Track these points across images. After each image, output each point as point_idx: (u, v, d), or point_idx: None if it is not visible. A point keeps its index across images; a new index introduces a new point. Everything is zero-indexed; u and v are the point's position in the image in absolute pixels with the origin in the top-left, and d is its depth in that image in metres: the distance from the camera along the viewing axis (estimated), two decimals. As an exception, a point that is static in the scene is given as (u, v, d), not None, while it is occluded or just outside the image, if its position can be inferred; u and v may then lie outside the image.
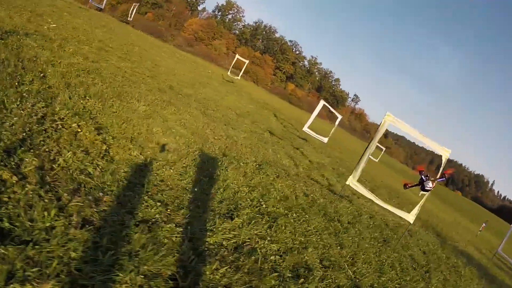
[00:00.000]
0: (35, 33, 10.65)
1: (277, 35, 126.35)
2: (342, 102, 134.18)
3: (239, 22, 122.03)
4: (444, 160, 8.50)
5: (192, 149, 7.35)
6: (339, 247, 6.21)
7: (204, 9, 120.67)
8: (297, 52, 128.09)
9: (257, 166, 8.71)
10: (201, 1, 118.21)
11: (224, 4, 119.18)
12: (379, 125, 8.87)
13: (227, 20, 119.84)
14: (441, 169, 8.64)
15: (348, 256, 6.08)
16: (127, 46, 19.31)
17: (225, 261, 3.88)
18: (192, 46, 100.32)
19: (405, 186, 9.71)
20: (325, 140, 21.44)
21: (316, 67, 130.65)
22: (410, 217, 8.81)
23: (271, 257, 4.49)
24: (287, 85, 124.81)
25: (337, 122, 22.97)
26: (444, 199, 61.86)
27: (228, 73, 33.07)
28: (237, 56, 34.23)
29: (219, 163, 7.35)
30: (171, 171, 5.60)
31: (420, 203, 8.85)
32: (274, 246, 4.79)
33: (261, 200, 6.46)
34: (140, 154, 5.60)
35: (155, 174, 5.20)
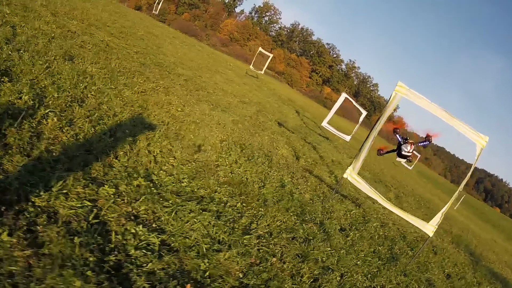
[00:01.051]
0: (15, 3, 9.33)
1: (314, 37, 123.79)
2: (379, 108, 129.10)
3: (275, 24, 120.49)
4: (478, 152, 6.09)
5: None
6: (294, 260, 4.22)
7: (242, 11, 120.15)
8: (335, 55, 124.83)
9: (224, 144, 7.21)
10: (238, 3, 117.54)
11: (261, 5, 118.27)
12: (388, 100, 6.65)
13: (263, 22, 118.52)
14: (475, 161, 6.21)
15: (307, 274, 4.01)
16: (132, 29, 17.84)
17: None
18: (227, 46, 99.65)
19: (379, 152, 7.66)
20: (347, 138, 19.11)
21: (353, 71, 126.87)
22: (428, 227, 6.49)
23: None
24: (323, 88, 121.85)
25: (361, 119, 20.52)
26: (481, 214, 57.01)
27: (251, 66, 31.11)
28: (260, 49, 32.16)
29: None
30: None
31: (443, 210, 6.51)
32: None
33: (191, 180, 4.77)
34: None
35: None
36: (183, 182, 4.53)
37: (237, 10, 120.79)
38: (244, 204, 4.91)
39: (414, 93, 6.13)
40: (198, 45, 31.49)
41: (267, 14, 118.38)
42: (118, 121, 5.30)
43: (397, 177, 22.15)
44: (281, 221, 5.01)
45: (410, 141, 6.85)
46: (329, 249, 4.96)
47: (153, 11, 45.28)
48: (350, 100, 19.86)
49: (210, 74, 17.54)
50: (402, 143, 6.96)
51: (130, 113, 5.97)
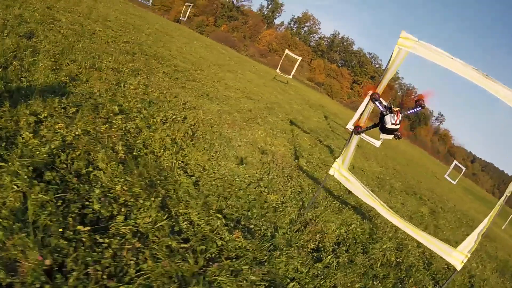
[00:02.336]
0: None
1: (355, 47, 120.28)
2: (424, 120, 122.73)
3: (315, 34, 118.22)
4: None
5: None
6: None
7: (282, 23, 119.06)
8: (377, 66, 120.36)
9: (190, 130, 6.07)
10: (277, 14, 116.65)
11: (300, 16, 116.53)
12: (389, 60, 4.58)
13: (302, 32, 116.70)
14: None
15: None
16: (140, 27, 16.70)
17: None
18: (266, 56, 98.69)
19: (356, 129, 5.47)
20: (377, 143, 16.69)
21: (397, 81, 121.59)
22: (456, 255, 4.25)
23: None
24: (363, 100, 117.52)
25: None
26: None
27: (277, 70, 29.21)
28: (286, 51, 30.19)
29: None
30: None
31: (479, 229, 4.24)
32: None
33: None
34: None
35: None
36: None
37: (277, 21, 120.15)
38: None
39: (426, 45, 4.04)
40: (222, 49, 30.17)
41: (306, 24, 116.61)
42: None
43: (437, 191, 19.39)
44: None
45: (396, 109, 4.77)
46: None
47: (181, 17, 43.60)
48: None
49: (219, 71, 15.89)
50: (385, 113, 4.90)
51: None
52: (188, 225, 3.60)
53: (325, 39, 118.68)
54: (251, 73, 23.95)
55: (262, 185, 5.57)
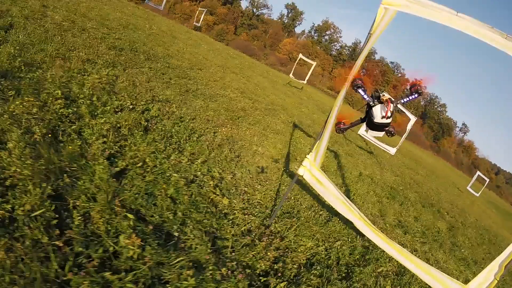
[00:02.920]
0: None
1: (376, 56, 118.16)
2: (448, 131, 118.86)
3: (336, 43, 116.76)
4: None
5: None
6: None
7: (303, 32, 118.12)
8: (399, 75, 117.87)
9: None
10: (297, 23, 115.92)
11: (321, 24, 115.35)
12: (374, 22, 3.52)
13: (323, 41, 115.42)
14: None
15: None
16: (142, 26, 16.16)
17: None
18: (286, 65, 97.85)
19: (337, 127, 4.40)
20: (392, 151, 15.40)
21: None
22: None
23: None
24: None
25: (409, 126, 16.59)
26: None
27: (290, 75, 28.13)
28: (300, 55, 29.14)
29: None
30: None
31: (502, 257, 3.05)
32: None
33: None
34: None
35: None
36: None
37: (297, 30, 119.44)
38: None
39: (421, 1, 2.96)
40: (235, 54, 29.31)
41: (327, 33, 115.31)
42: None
43: (458, 204, 17.84)
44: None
45: (386, 98, 3.74)
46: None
47: (195, 23, 42.49)
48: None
49: (220, 72, 14.97)
50: (372, 104, 3.86)
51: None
52: (81, 221, 2.79)
53: (346, 47, 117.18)
54: (262, 77, 22.95)
55: (217, 186, 4.57)
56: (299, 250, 4.00)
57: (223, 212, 4.13)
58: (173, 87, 8.36)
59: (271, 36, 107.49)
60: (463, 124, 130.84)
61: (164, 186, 3.93)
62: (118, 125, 4.99)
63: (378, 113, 3.83)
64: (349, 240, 5.10)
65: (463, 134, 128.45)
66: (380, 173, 13.24)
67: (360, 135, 15.37)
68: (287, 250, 3.92)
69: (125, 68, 8.02)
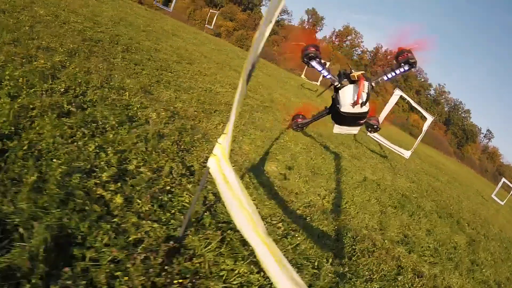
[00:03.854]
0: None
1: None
2: (472, 138, 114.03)
3: (357, 48, 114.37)
4: None
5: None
6: None
7: (325, 38, 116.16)
8: (422, 80, 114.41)
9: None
10: (318, 29, 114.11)
11: (341, 29, 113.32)
12: None
13: (344, 46, 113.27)
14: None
15: None
16: (136, 24, 15.36)
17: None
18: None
19: (294, 122, 3.08)
20: (407, 154, 13.77)
21: (443, 96, 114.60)
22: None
23: None
24: (409, 115, 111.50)
25: (425, 126, 14.88)
26: None
27: (302, 76, 26.79)
28: None
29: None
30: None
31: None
32: None
33: None
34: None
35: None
36: None
37: (320, 36, 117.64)
38: None
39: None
40: (245, 55, 28.01)
41: (348, 38, 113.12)
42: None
43: (481, 213, 15.96)
44: None
45: (358, 73, 2.39)
46: None
47: (206, 25, 41.08)
48: (412, 104, 14.71)
49: (214, 67, 13.74)
50: (336, 84, 2.53)
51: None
52: None
53: (367, 52, 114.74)
54: (270, 76, 21.60)
55: (118, 181, 3.32)
56: (214, 276, 2.66)
57: (112, 213, 2.87)
58: (141, 77, 7.31)
59: (292, 42, 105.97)
60: (488, 130, 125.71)
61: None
62: (32, 106, 4.00)
63: (347, 99, 2.51)
64: (311, 263, 3.72)
65: (487, 141, 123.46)
66: (392, 178, 11.74)
67: (371, 137, 13.81)
68: (196, 276, 2.59)
69: (88, 57, 7.09)
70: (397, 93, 13.53)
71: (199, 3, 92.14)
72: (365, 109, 2.51)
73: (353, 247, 4.74)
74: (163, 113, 5.95)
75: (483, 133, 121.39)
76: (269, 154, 6.75)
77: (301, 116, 3.24)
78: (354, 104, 2.43)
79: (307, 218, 4.93)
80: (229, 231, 3.43)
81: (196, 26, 76.58)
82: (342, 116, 2.49)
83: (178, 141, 5.12)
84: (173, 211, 3.40)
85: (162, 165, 4.21)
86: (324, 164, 8.07)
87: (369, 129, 3.07)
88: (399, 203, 8.72)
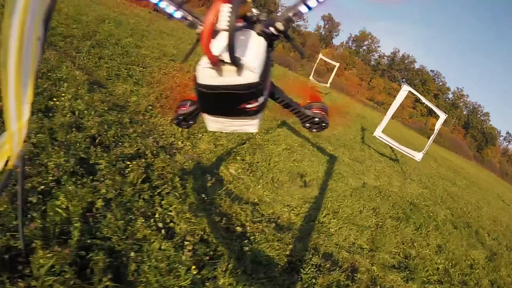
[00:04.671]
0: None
1: (416, 65, 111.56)
2: (491, 141, 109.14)
3: (374, 53, 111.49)
4: None
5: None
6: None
7: (342, 44, 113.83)
8: (440, 83, 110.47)
9: None
10: (335, 34, 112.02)
11: (358, 34, 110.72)
12: None
13: (361, 51, 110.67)
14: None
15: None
16: (123, 24, 14.29)
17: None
18: (322, 76, 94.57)
19: (176, 114, 1.33)
20: (418, 156, 12.12)
21: (462, 99, 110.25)
22: None
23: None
24: (428, 119, 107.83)
25: (438, 125, 13.17)
26: None
27: (310, 77, 25.31)
28: (320, 55, 26.04)
29: None
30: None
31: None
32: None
33: None
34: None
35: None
36: None
37: (337, 42, 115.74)
38: None
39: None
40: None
41: (364, 43, 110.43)
42: None
43: (502, 220, 14.07)
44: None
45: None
46: None
47: None
48: (422, 100, 13.09)
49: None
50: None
51: None
52: None
53: (385, 57, 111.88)
54: (280, 80, 20.24)
55: None
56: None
57: None
58: (100, 70, 6.39)
59: (308, 48, 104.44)
60: (507, 133, 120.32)
61: None
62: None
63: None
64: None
65: (507, 143, 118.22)
66: (401, 184, 10.24)
67: (375, 136, 12.25)
68: None
69: (48, 46, 6.35)
70: (405, 88, 11.95)
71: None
72: (248, 76, 1.12)
73: (314, 280, 3.34)
74: (101, 105, 4.72)
75: (502, 136, 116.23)
76: (233, 155, 5.44)
77: (189, 103, 1.79)
78: (215, 64, 1.07)
79: (253, 237, 3.58)
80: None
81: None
82: (200, 93, 1.13)
83: (95, 136, 3.88)
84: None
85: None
86: (310, 169, 6.68)
87: (307, 124, 1.65)
88: (404, 213, 7.24)
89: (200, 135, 5.83)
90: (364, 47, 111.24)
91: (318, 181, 6.30)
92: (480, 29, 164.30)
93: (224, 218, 3.67)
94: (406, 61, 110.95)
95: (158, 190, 3.68)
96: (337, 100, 27.98)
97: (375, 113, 56.02)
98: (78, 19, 10.21)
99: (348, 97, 67.10)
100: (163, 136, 5.28)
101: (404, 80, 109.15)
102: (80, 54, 7.11)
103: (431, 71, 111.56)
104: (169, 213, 3.44)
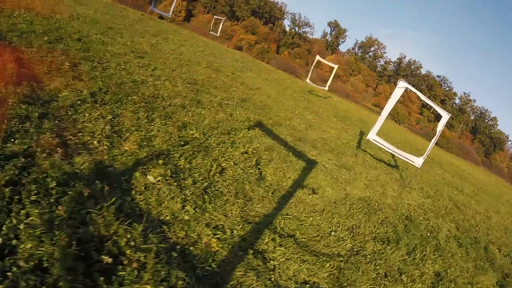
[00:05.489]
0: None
1: (422, 70, 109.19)
2: (500, 145, 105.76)
3: (380, 59, 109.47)
4: None
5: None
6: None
7: (348, 51, 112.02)
8: (447, 89, 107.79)
9: None
10: (341, 41, 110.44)
11: (364, 41, 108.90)
12: None
13: (367, 57, 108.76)
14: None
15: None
16: (98, 22, 13.16)
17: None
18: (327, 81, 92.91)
19: None
20: (418, 162, 10.53)
21: (469, 104, 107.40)
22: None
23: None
24: (435, 125, 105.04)
25: (440, 126, 11.48)
26: None
27: (307, 80, 23.75)
28: (317, 57, 24.31)
29: None
30: None
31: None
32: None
33: None
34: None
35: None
36: None
37: (343, 49, 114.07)
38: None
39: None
40: (246, 60, 25.39)
41: (370, 49, 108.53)
42: None
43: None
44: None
45: None
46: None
47: (211, 31, 36.87)
48: (422, 99, 11.55)
49: (173, 62, 11.19)
50: None
51: None
52: None
53: (391, 63, 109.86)
54: (262, 79, 18.63)
55: None
56: None
57: None
58: (42, 64, 5.74)
59: (314, 55, 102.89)
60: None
61: None
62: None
63: None
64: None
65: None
66: (397, 194, 8.78)
67: (369, 139, 10.72)
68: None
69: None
70: (401, 85, 10.44)
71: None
72: None
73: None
74: (14, 98, 3.50)
75: (510, 141, 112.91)
76: (162, 158, 4.05)
77: None
78: None
79: (123, 272, 2.19)
80: None
81: (218, 40, 75.12)
82: None
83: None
84: None
85: None
86: (273, 177, 5.26)
87: None
88: (394, 232, 5.76)
89: (128, 134, 4.48)
90: (370, 53, 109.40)
91: (280, 193, 4.86)
92: (487, 33, 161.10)
93: (88, 242, 2.32)
94: (412, 67, 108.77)
95: (23, 197, 2.43)
96: (338, 104, 26.46)
97: (376, 119, 54.12)
98: (48, 16, 9.26)
99: (354, 103, 65.38)
100: (79, 134, 4.00)
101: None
102: (30, 49, 6.26)
103: (438, 76, 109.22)
104: (20, 226, 2.19)
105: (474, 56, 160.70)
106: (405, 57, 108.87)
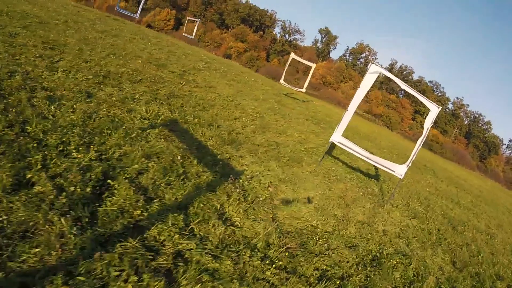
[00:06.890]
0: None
1: (414, 76, 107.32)
2: (494, 149, 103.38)
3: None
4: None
5: None
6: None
7: (340, 58, 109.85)
8: (439, 94, 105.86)
9: None
10: (332, 48, 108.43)
11: (355, 47, 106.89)
12: None
13: (358, 64, 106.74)
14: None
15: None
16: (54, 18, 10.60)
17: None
18: (319, 90, 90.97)
19: None
20: (400, 171, 7.89)
21: (462, 109, 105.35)
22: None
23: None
24: (429, 130, 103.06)
25: (428, 121, 8.77)
26: None
27: (281, 81, 21.21)
28: (292, 55, 21.53)
29: None
30: None
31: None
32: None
33: None
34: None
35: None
36: None
37: (334, 56, 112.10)
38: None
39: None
40: (216, 60, 22.95)
41: (362, 55, 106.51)
42: None
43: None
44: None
45: None
46: None
47: (184, 33, 34.00)
48: (402, 87, 9.15)
49: (130, 57, 8.75)
50: None
51: None
52: None
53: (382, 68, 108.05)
54: (225, 79, 16.10)
55: None
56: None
57: None
58: None
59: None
60: (510, 140, 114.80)
61: None
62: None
63: None
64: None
65: (510, 152, 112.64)
66: (369, 216, 6.25)
67: (340, 143, 8.16)
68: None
69: None
70: (374, 69, 7.98)
71: (210, 26, 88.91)
72: None
73: None
74: None
75: (505, 144, 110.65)
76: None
77: None
78: None
79: None
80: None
81: (206, 48, 72.93)
82: None
83: None
84: None
85: None
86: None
87: None
88: (364, 273, 3.19)
89: None
90: (361, 59, 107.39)
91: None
92: (479, 38, 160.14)
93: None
94: (404, 72, 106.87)
95: None
96: (318, 108, 23.97)
97: (367, 125, 51.61)
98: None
99: (342, 109, 62.92)
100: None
101: (402, 92, 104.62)
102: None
103: (430, 81, 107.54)
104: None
105: (467, 61, 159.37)
106: (396, 62, 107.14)
